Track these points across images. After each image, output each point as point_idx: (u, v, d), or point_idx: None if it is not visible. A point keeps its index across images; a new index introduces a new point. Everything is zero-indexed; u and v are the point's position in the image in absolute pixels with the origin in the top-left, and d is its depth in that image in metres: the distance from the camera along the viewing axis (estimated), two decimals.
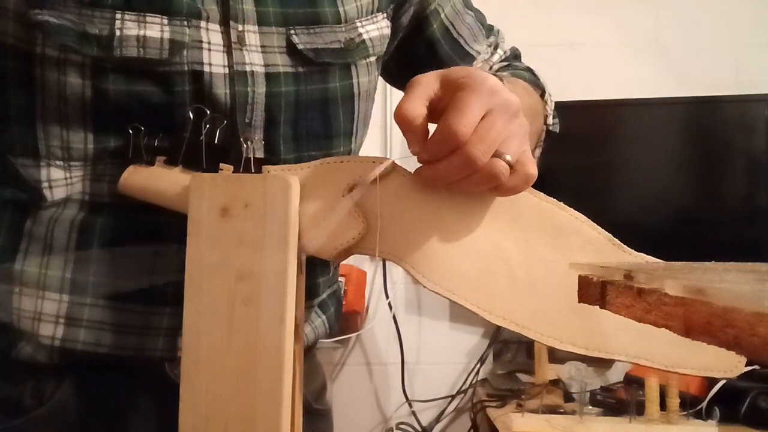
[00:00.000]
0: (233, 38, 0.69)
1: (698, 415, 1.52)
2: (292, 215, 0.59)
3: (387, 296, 2.03)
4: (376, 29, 0.78)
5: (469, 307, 0.61)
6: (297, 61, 0.72)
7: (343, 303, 1.86)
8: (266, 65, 0.70)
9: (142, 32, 0.65)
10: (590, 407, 1.61)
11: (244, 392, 0.58)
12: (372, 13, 0.78)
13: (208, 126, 0.66)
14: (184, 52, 0.67)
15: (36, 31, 0.65)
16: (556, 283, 0.61)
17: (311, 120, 0.73)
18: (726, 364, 0.60)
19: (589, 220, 0.63)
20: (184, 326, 0.59)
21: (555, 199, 0.63)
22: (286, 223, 0.59)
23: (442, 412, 2.06)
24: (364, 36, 0.76)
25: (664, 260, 0.61)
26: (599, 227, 0.63)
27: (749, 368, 1.50)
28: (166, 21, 0.66)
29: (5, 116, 0.68)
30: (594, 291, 0.44)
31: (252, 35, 0.70)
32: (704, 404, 1.52)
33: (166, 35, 0.66)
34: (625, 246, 0.63)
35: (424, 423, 2.04)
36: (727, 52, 2.10)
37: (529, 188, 0.62)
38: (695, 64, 2.10)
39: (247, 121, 0.69)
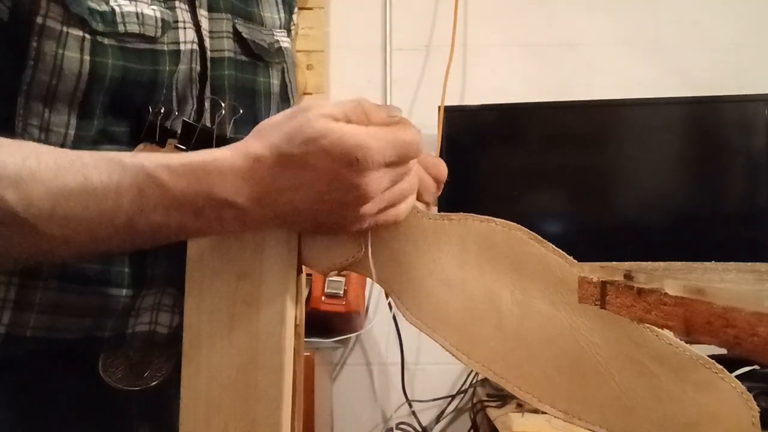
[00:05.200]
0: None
1: None
2: None
3: (387, 296, 2.02)
4: (287, 42, 0.83)
5: (447, 348, 0.60)
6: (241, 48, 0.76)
7: (344, 303, 1.86)
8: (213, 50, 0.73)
9: (139, 9, 0.66)
10: None
11: (244, 392, 0.58)
12: (280, 29, 0.83)
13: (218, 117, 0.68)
14: (169, 32, 0.68)
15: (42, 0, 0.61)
16: (547, 340, 0.58)
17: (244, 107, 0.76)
18: None
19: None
20: (185, 326, 0.59)
21: (564, 253, 0.59)
22: None
23: (442, 412, 2.05)
24: (282, 44, 0.81)
25: (664, 260, 0.60)
26: None
27: (749, 368, 1.50)
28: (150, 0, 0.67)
29: None
30: (594, 291, 0.44)
31: (204, 20, 0.72)
32: None
33: (158, 14, 0.67)
34: None
35: (424, 423, 2.04)
36: (727, 52, 2.10)
37: (537, 237, 0.60)
38: (695, 64, 2.10)
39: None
